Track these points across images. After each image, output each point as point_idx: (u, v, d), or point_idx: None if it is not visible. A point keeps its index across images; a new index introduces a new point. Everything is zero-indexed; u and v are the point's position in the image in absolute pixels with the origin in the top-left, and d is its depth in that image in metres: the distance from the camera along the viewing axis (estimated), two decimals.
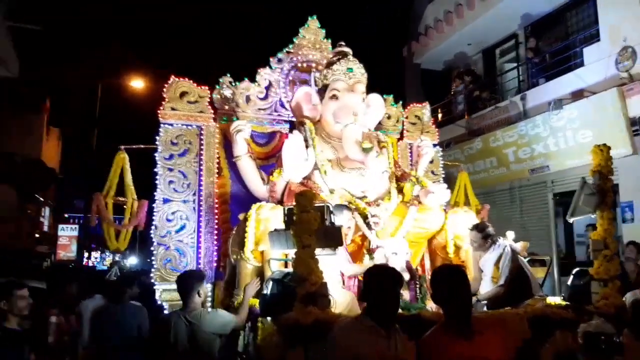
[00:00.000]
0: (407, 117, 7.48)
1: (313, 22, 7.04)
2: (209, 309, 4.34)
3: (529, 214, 11.15)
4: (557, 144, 9.51)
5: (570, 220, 4.94)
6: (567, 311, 4.15)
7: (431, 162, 7.03)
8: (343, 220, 4.70)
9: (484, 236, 4.92)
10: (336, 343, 2.71)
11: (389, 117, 7.31)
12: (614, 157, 8.23)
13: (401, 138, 7.38)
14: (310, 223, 3.56)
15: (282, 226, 3.93)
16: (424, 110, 6.83)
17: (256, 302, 4.66)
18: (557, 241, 10.73)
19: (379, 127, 6.77)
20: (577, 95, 9.11)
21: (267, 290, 3.76)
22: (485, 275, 4.88)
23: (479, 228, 4.98)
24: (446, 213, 5.69)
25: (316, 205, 3.64)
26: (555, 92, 9.73)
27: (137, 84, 15.63)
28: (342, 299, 4.13)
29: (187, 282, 4.21)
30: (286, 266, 4.97)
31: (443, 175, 7.45)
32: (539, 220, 10.94)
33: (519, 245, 4.84)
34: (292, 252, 3.90)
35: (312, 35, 7.02)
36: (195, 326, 3.96)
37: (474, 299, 4.76)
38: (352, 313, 3.80)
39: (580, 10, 10.75)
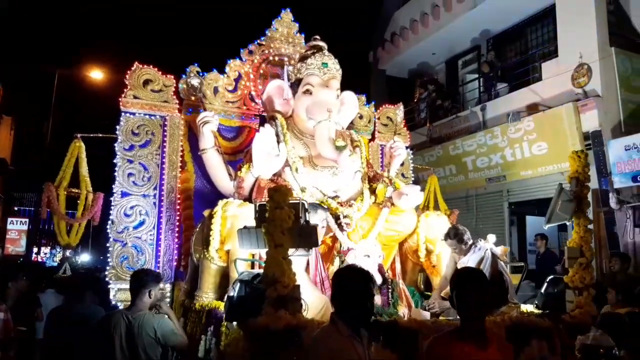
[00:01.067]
0: (379, 118, 7.29)
1: (286, 15, 6.78)
2: (156, 314, 4.00)
3: (485, 222, 11.27)
4: (513, 154, 9.68)
5: (546, 227, 4.82)
6: (543, 320, 4.03)
7: (402, 164, 6.85)
8: (317, 220, 4.44)
9: (459, 240, 4.75)
10: (319, 353, 2.46)
11: (360, 117, 7.10)
12: (567, 169, 8.45)
13: (372, 139, 7.19)
14: (284, 220, 3.28)
15: (252, 223, 3.64)
16: (397, 111, 6.66)
17: (220, 305, 4.34)
18: (511, 249, 10.88)
19: (351, 126, 6.54)
20: (535, 108, 9.33)
21: (234, 292, 3.45)
22: None
23: (451, 235, 4.81)
24: (418, 216, 5.51)
25: (291, 202, 3.36)
26: (514, 104, 9.94)
27: (97, 73, 14.84)
28: (315, 303, 3.86)
29: (141, 280, 3.98)
30: (252, 267, 4.68)
31: (413, 179, 7.29)
32: (494, 228, 10.92)
33: (499, 250, 4.69)
34: (262, 252, 3.62)
35: (285, 29, 6.75)
36: (136, 328, 3.72)
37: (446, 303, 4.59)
38: (325, 318, 3.55)
39: (540, 27, 11.02)
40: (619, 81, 8.54)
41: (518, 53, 11.64)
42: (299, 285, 3.33)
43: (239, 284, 3.44)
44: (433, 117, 12.81)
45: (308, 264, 4.54)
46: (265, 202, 3.40)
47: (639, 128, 8.05)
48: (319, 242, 3.82)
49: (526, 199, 10.00)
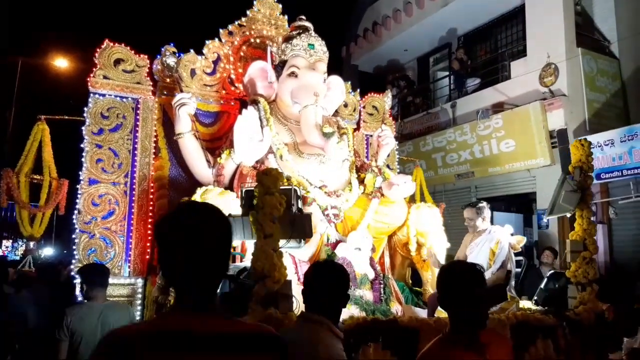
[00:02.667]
0: (364, 107, 6.93)
1: None
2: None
3: (453, 218, 11.14)
4: (482, 151, 9.74)
5: (546, 219, 4.55)
6: (548, 317, 3.75)
7: (387, 155, 6.52)
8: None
9: (479, 211, 4.45)
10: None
11: (345, 106, 6.70)
12: (534, 166, 8.88)
13: (357, 129, 6.82)
14: (274, 208, 2.89)
15: (237, 212, 3.24)
16: (386, 98, 6.30)
17: None
18: None
19: (336, 114, 6.16)
20: (503, 106, 9.42)
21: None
22: (478, 258, 4.37)
23: (476, 206, 4.48)
24: (408, 208, 5.18)
25: (282, 187, 2.97)
26: (483, 101, 9.96)
27: (61, 61, 13.86)
28: None
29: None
30: (234, 261, 4.27)
31: (398, 171, 6.97)
32: (463, 224, 10.88)
33: (514, 239, 4.40)
34: (249, 243, 3.23)
35: (267, 10, 6.32)
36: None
37: None
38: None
39: (510, 26, 11.08)
40: (584, 81, 8.68)
41: (488, 51, 11.68)
42: (290, 281, 2.96)
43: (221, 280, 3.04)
44: (404, 113, 12.72)
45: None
46: (253, 188, 3.00)
47: (603, 127, 8.24)
48: (313, 233, 3.43)
49: (494, 195, 10.01)
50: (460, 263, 2.60)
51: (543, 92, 8.66)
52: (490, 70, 10.95)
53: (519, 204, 10.26)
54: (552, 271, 4.28)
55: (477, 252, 4.37)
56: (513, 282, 4.39)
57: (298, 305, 3.06)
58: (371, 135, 6.77)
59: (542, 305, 4.14)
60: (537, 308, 4.20)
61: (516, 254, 4.44)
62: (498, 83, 10.05)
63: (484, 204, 4.55)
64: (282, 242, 2.92)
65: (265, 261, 2.84)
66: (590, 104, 8.65)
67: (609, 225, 7.97)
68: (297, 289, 3.19)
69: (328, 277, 2.24)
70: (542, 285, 4.24)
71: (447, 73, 12.54)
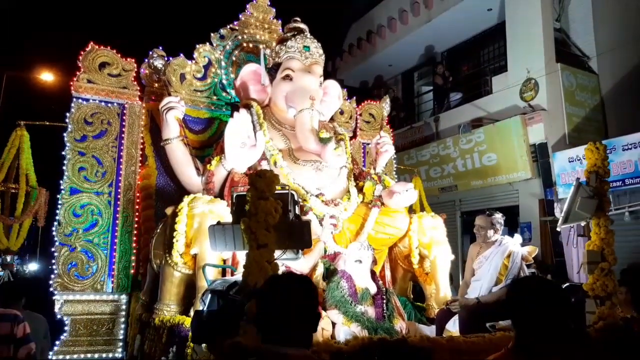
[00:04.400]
0: (361, 115, 6.61)
1: None
2: None
3: None
4: (465, 165, 9.74)
5: (560, 229, 4.21)
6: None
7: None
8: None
9: (492, 223, 4.09)
10: None
11: (341, 113, 6.38)
12: (515, 180, 8.87)
13: (354, 137, 6.49)
14: (269, 214, 2.52)
15: (228, 219, 2.87)
16: (384, 104, 5.98)
17: (185, 320, 3.53)
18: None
19: (331, 121, 5.83)
20: (486, 120, 9.46)
21: (204, 305, 2.67)
22: (489, 272, 4.00)
23: (491, 215, 4.13)
24: (410, 218, 4.83)
25: (277, 192, 2.62)
26: (466, 116, 9.99)
27: (46, 70, 13.28)
28: None
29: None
30: (224, 275, 3.89)
31: (396, 180, 6.61)
32: (447, 237, 10.83)
33: (526, 250, 4.04)
34: (240, 254, 2.86)
35: (260, 13, 6.02)
36: None
37: (471, 299, 3.90)
38: (317, 338, 2.80)
39: (491, 42, 11.14)
40: (564, 96, 8.68)
41: (470, 67, 11.82)
42: None
43: (210, 296, 2.66)
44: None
45: None
46: (244, 192, 2.64)
47: (582, 141, 8.17)
48: (312, 242, 3.06)
49: (477, 208, 9.78)
50: (534, 278, 2.24)
51: (523, 107, 8.71)
52: (473, 85, 11.02)
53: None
54: (567, 284, 3.92)
55: (487, 265, 4.01)
56: None
57: None
58: (368, 144, 6.46)
59: None
60: None
61: (528, 266, 4.09)
62: (480, 98, 10.11)
63: (499, 214, 4.20)
64: (277, 253, 2.56)
65: (258, 275, 2.46)
66: (569, 118, 8.71)
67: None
68: None
69: (292, 294, 1.80)
70: None
71: (430, 88, 12.63)
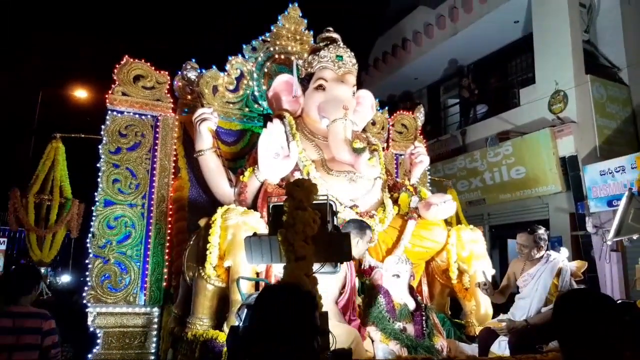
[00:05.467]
0: (393, 125, 6.46)
1: (294, 10, 5.97)
2: None
3: None
4: (492, 178, 9.61)
5: (610, 242, 3.94)
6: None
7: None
8: (363, 245, 3.63)
9: (536, 240, 3.86)
10: None
11: (373, 123, 6.25)
12: (545, 193, 8.67)
13: (386, 148, 6.33)
14: (307, 225, 2.40)
15: (262, 231, 2.75)
16: (418, 114, 5.82)
17: (218, 335, 3.41)
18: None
19: (363, 132, 5.69)
20: (513, 133, 9.34)
21: (240, 321, 2.54)
22: (537, 291, 3.77)
23: (534, 232, 3.91)
24: (449, 231, 4.63)
25: (315, 202, 2.49)
26: (493, 129, 9.90)
27: (82, 86, 13.53)
28: (343, 337, 2.92)
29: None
30: (257, 289, 3.76)
31: (430, 192, 6.41)
32: None
33: (574, 265, 3.80)
34: (276, 268, 2.73)
35: (292, 25, 5.95)
36: None
37: (519, 322, 3.67)
38: (357, 356, 2.64)
39: (519, 54, 10.99)
40: (594, 108, 8.53)
41: (497, 79, 11.69)
42: (326, 313, 2.43)
43: (246, 311, 2.53)
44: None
45: None
46: (281, 202, 2.52)
47: (613, 153, 8.06)
48: (352, 256, 2.91)
49: (506, 222, 9.81)
50: (584, 292, 2.02)
51: (552, 119, 8.58)
52: (500, 97, 10.88)
53: None
54: (619, 300, 3.66)
55: (533, 284, 3.76)
56: None
57: (335, 342, 2.53)
58: (401, 155, 6.29)
59: None
60: None
61: (578, 282, 3.83)
62: (508, 110, 9.96)
63: (542, 229, 3.97)
64: (315, 267, 2.42)
65: None
66: (600, 131, 8.58)
67: (624, 253, 7.59)
68: (332, 324, 2.68)
69: (292, 306, 1.68)
70: None
71: (457, 101, 12.53)
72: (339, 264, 2.60)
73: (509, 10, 9.98)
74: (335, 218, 2.62)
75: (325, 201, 2.52)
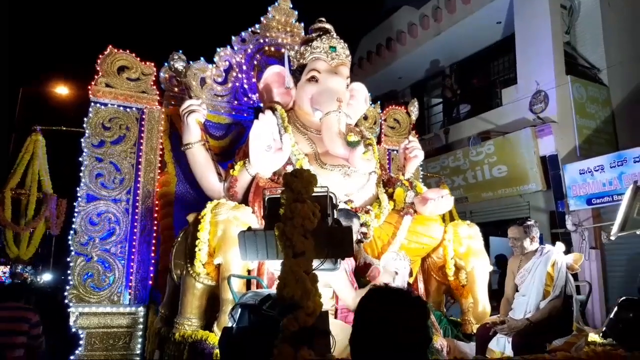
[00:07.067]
0: (385, 120, 6.29)
1: (284, 2, 5.77)
2: None
3: None
4: (475, 176, 9.62)
5: (614, 237, 3.81)
6: (619, 351, 2.99)
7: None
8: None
9: (526, 230, 3.73)
10: None
11: (365, 118, 6.07)
12: (526, 192, 8.66)
13: (379, 143, 6.16)
14: (306, 219, 2.20)
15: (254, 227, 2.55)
16: (412, 108, 5.64)
17: (208, 336, 3.21)
18: None
19: (355, 126, 5.51)
20: (495, 132, 9.40)
21: (234, 321, 2.34)
22: (534, 285, 3.62)
23: (523, 224, 3.78)
24: (445, 226, 4.47)
25: (314, 194, 2.30)
26: (475, 128, 9.95)
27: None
28: (344, 338, 2.72)
29: None
30: (248, 287, 3.56)
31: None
32: None
33: (571, 258, 3.66)
34: (273, 264, 2.54)
35: (282, 16, 5.75)
36: None
37: (521, 320, 3.52)
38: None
39: (501, 55, 11.01)
40: (574, 108, 8.56)
41: (480, 79, 11.70)
42: (326, 312, 2.25)
43: (240, 310, 2.32)
44: None
45: None
46: (278, 195, 2.32)
47: (593, 153, 8.16)
48: (353, 251, 2.73)
49: (488, 220, 9.75)
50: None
51: (533, 119, 8.57)
52: (482, 97, 10.89)
53: None
54: (623, 298, 3.53)
55: (529, 279, 3.62)
56: (575, 310, 3.62)
57: (335, 344, 2.34)
58: (394, 150, 6.14)
59: (614, 339, 3.38)
60: (605, 341, 3.46)
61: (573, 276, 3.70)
62: (490, 110, 9.98)
63: (532, 221, 3.84)
64: (315, 263, 2.23)
65: (295, 287, 2.13)
66: (580, 130, 8.58)
67: (602, 250, 7.75)
68: (333, 324, 2.49)
69: (407, 313, 1.46)
70: (612, 315, 3.48)
71: (440, 100, 12.53)
72: (338, 260, 2.42)
73: (492, 12, 9.98)
74: (335, 211, 2.44)
75: (326, 193, 2.33)
